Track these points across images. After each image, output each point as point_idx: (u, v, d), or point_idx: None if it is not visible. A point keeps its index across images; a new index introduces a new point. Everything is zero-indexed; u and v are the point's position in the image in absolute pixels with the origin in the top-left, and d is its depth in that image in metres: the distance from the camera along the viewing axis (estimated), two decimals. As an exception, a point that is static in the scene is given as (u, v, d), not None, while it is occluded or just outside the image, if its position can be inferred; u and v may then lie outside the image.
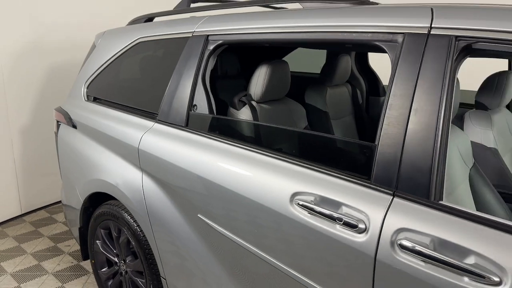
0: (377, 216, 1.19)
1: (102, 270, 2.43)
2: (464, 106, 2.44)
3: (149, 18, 2.41)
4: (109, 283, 2.41)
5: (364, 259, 1.20)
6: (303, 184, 1.37)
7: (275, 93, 1.99)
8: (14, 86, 3.44)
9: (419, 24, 1.25)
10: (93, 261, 2.49)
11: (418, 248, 1.09)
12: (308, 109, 2.58)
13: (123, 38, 2.34)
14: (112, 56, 2.36)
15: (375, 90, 2.89)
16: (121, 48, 2.32)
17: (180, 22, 2.04)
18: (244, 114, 1.94)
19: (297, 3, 1.69)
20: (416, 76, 1.21)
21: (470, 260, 1.03)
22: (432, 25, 1.22)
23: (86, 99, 2.50)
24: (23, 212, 3.71)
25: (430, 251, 1.08)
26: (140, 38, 2.22)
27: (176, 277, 1.90)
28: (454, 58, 1.17)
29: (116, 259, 2.31)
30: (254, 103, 1.98)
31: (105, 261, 2.42)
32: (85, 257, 2.58)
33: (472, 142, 2.02)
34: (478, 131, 2.01)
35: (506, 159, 2.06)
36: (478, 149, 1.97)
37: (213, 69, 2.29)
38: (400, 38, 1.27)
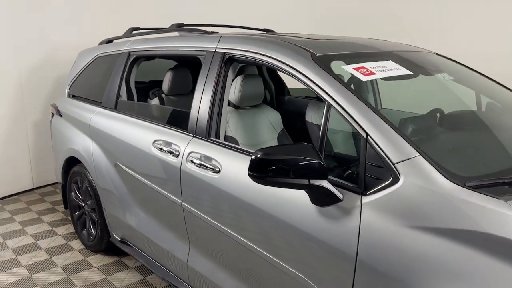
0: (183, 147, 2.22)
1: (75, 213, 3.53)
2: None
3: (109, 40, 3.52)
4: (79, 222, 3.49)
5: (176, 170, 2.22)
6: (158, 135, 2.41)
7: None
8: (30, 86, 4.62)
9: (212, 46, 2.28)
10: (69, 208, 3.60)
11: (194, 159, 2.11)
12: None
13: (89, 54, 3.47)
14: (83, 67, 3.50)
15: (281, 91, 3.87)
16: (88, 61, 3.45)
17: (118, 44, 3.15)
18: (154, 102, 3.00)
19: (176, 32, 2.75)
20: (206, 74, 2.24)
21: (212, 163, 2.04)
22: (217, 47, 2.26)
23: (68, 96, 3.64)
24: (34, 186, 4.89)
25: (199, 160, 2.09)
26: (99, 54, 3.35)
27: (109, 206, 2.97)
28: (223, 64, 2.19)
29: (82, 204, 3.40)
30: (163, 95, 3.05)
31: (76, 207, 3.51)
32: (66, 207, 3.69)
33: (307, 121, 2.99)
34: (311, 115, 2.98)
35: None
36: (310, 125, 2.95)
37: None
38: (207, 54, 2.30)
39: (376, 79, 2.23)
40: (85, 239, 3.41)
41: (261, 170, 1.50)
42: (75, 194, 3.47)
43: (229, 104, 2.47)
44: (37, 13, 4.57)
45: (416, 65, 2.21)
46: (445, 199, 1.32)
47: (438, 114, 2.25)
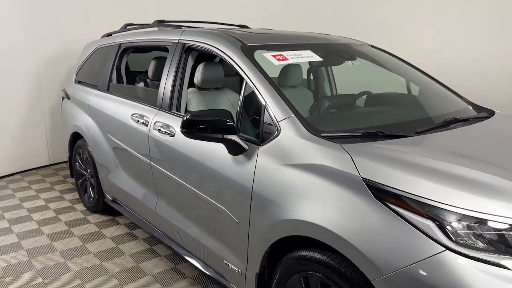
0: (151, 118, 2.82)
1: (79, 181, 4.20)
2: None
3: (109, 34, 4.16)
4: (81, 187, 4.16)
5: (145, 136, 2.83)
6: (135, 110, 3.02)
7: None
8: (46, 75, 5.32)
9: (176, 38, 2.87)
10: (74, 177, 4.27)
11: (158, 127, 2.71)
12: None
13: (92, 46, 4.12)
14: (87, 57, 4.15)
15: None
16: (90, 52, 4.10)
17: (113, 37, 3.78)
18: (140, 85, 3.62)
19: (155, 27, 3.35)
20: (170, 61, 2.83)
21: (170, 129, 2.63)
22: (180, 38, 2.84)
23: (75, 82, 4.30)
24: (50, 163, 5.61)
25: (161, 127, 2.69)
26: (98, 46, 3.99)
27: (103, 171, 3.60)
28: (184, 52, 2.78)
29: (84, 172, 4.05)
30: (148, 80, 3.66)
31: (80, 175, 4.18)
32: (72, 176, 4.36)
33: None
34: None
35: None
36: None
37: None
38: (172, 44, 2.90)
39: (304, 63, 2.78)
40: (86, 201, 4.07)
41: (189, 127, 2.09)
42: (78, 164, 4.13)
43: (194, 86, 3.05)
44: (53, 12, 5.26)
45: (333, 54, 2.75)
46: (303, 144, 1.88)
47: (355, 95, 2.79)
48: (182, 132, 2.12)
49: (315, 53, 2.56)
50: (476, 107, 2.75)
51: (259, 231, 2.01)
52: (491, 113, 2.60)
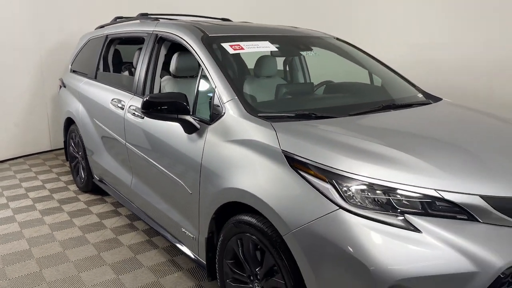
0: (127, 102, 3.11)
1: (72, 163, 4.52)
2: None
3: (101, 26, 4.46)
4: (74, 169, 4.48)
5: (121, 118, 3.11)
6: (114, 95, 3.32)
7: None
8: (48, 66, 5.66)
9: (151, 29, 3.14)
10: (68, 160, 4.60)
11: (132, 111, 2.99)
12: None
13: (85, 37, 4.43)
14: (81, 47, 4.47)
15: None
16: (84, 43, 4.41)
17: (103, 29, 4.08)
18: (125, 74, 3.91)
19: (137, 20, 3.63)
20: (145, 50, 3.11)
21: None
22: (154, 30, 3.12)
23: (70, 71, 4.62)
24: (52, 148, 5.97)
25: (134, 111, 2.97)
26: (90, 37, 4.29)
27: (91, 153, 3.91)
28: (157, 42, 3.05)
29: (76, 155, 4.38)
30: (132, 69, 3.94)
31: (73, 157, 4.50)
32: (66, 159, 4.69)
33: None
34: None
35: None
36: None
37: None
38: (148, 35, 3.17)
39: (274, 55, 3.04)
40: (78, 182, 4.40)
41: (147, 108, 2.36)
42: (72, 147, 4.45)
43: (169, 74, 3.32)
44: (55, 7, 5.59)
45: (289, 45, 3.00)
46: (242, 122, 2.13)
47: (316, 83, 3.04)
48: (142, 112, 2.40)
49: (272, 44, 2.81)
50: (426, 95, 2.96)
51: (206, 200, 2.28)
52: (436, 100, 2.82)
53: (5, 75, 5.35)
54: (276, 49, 2.82)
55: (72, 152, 4.46)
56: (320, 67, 3.92)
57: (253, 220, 1.98)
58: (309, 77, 3.96)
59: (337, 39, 3.46)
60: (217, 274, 2.30)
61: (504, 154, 1.95)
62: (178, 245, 2.71)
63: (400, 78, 3.18)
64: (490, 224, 1.65)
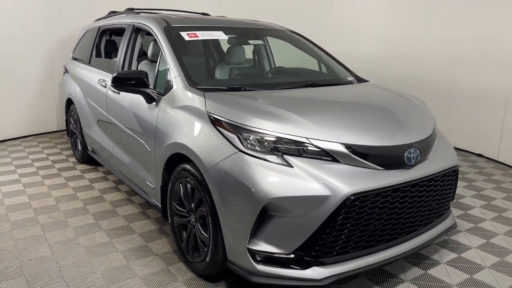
0: (109, 81, 3.75)
1: (72, 139, 5.21)
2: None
3: (97, 19, 5.12)
4: (73, 143, 5.17)
5: (104, 95, 3.76)
6: (101, 76, 3.97)
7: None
8: (58, 55, 6.37)
9: (131, 21, 3.78)
10: (68, 136, 5.29)
11: (112, 87, 3.64)
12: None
13: (85, 29, 5.11)
14: (81, 37, 5.15)
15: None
16: (83, 33, 5.09)
17: (98, 22, 4.74)
18: (114, 59, 4.56)
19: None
20: (125, 38, 3.75)
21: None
22: (132, 21, 3.76)
23: (72, 58, 5.32)
24: (59, 129, 6.69)
25: (113, 89, 3.61)
26: (88, 29, 4.97)
27: (85, 127, 4.58)
28: (134, 32, 3.69)
29: (75, 131, 5.06)
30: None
31: (73, 134, 5.18)
32: (68, 135, 5.39)
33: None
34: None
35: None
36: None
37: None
38: (128, 26, 3.81)
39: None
40: (76, 154, 5.09)
41: (115, 82, 2.99)
42: (71, 124, 5.14)
43: (148, 59, 3.96)
44: (66, 1, 6.30)
45: (241, 34, 3.61)
46: (184, 92, 2.75)
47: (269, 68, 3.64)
48: (111, 85, 3.03)
49: (225, 34, 3.42)
50: (358, 78, 3.53)
51: (159, 155, 2.90)
52: (361, 82, 3.39)
53: (19, 62, 6.07)
54: (227, 38, 3.43)
55: (72, 129, 5.15)
56: (278, 55, 4.52)
57: (188, 167, 2.59)
58: (274, 64, 4.56)
59: (291, 31, 4.05)
60: (168, 213, 2.92)
61: (375, 116, 2.54)
62: (145, 197, 3.34)
63: (340, 66, 3.75)
64: (348, 164, 2.23)
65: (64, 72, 5.43)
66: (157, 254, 2.93)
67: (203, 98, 2.60)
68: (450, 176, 2.64)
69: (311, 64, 3.95)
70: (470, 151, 5.58)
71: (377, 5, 6.57)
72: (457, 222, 3.47)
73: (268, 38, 4.17)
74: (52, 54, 6.38)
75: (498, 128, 5.11)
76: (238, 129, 2.32)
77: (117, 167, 3.87)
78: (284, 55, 4.55)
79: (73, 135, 5.17)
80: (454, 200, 3.93)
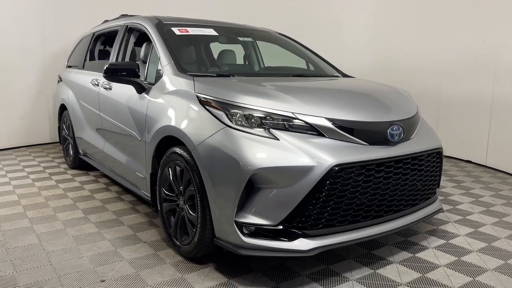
0: (101, 80, 3.83)
1: (64, 145, 5.24)
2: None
3: (96, 26, 5.24)
4: (65, 149, 5.19)
5: (97, 93, 3.83)
6: (94, 77, 4.05)
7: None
8: (51, 66, 6.47)
9: (124, 22, 3.90)
10: (60, 143, 5.32)
11: (104, 86, 3.71)
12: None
13: (79, 38, 5.22)
14: (75, 46, 5.26)
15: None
16: (78, 41, 5.21)
17: (93, 29, 4.86)
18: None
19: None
20: (118, 39, 3.85)
21: (110, 85, 3.62)
22: (125, 22, 3.87)
23: (66, 66, 5.41)
24: (52, 141, 6.71)
25: (106, 85, 3.68)
26: (83, 37, 5.08)
27: (77, 131, 4.62)
28: (127, 32, 3.79)
29: (67, 137, 5.09)
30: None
31: (65, 140, 5.21)
32: (60, 142, 5.41)
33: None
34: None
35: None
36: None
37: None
38: (120, 27, 3.91)
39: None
40: (68, 160, 5.10)
41: (108, 73, 3.06)
42: (64, 131, 5.18)
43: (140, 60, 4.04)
44: (60, 15, 6.45)
45: (234, 33, 3.73)
46: (175, 78, 2.82)
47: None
48: (103, 76, 3.10)
49: (215, 31, 3.53)
50: (343, 75, 3.63)
51: (149, 142, 2.94)
52: (347, 77, 3.49)
53: (13, 73, 6.16)
54: (217, 34, 3.55)
55: (64, 135, 5.18)
56: (268, 59, 4.64)
57: (177, 149, 2.63)
58: (261, 58, 4.66)
59: (280, 34, 4.18)
60: (157, 200, 2.93)
61: (360, 98, 2.62)
62: (135, 190, 3.35)
63: (327, 64, 3.86)
64: (333, 139, 2.29)
65: (58, 81, 5.51)
66: (145, 242, 2.92)
67: (192, 82, 2.67)
68: (434, 158, 2.70)
69: (300, 65, 4.06)
70: (459, 158, 5.65)
71: (362, 20, 6.79)
72: (446, 215, 3.50)
73: (258, 42, 4.29)
74: (46, 67, 6.48)
75: (485, 133, 5.20)
76: (225, 106, 2.38)
77: (108, 165, 3.89)
78: (274, 59, 4.67)
79: (65, 141, 5.20)
80: (443, 198, 3.98)
